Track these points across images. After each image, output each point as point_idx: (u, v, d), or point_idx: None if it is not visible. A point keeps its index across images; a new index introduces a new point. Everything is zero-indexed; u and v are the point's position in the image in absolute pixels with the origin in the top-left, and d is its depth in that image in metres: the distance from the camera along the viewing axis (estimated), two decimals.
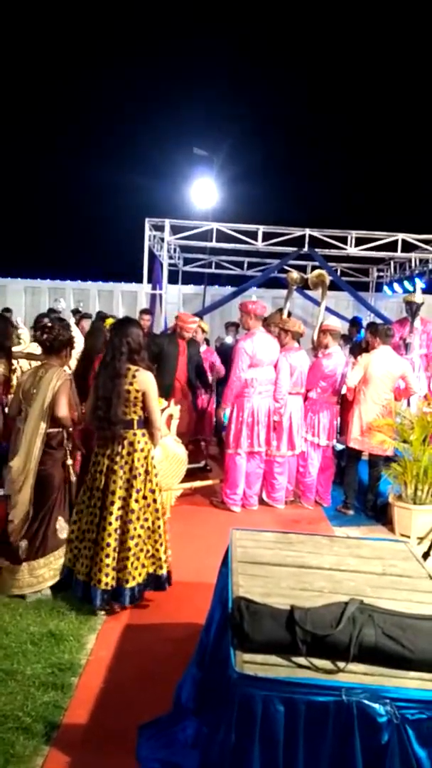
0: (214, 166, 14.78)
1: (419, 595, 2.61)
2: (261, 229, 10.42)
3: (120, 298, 14.73)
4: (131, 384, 3.83)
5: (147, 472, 3.89)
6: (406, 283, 13.15)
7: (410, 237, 10.58)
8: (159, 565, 3.90)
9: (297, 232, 10.42)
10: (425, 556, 3.81)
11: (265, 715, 1.90)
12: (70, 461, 4.21)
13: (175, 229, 10.78)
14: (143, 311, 9.74)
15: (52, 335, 4.16)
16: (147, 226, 10.55)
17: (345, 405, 6.31)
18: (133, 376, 3.84)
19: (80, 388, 4.51)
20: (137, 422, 3.87)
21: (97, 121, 18.02)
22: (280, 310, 7.60)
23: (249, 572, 2.72)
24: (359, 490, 6.16)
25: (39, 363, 4.30)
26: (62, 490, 4.15)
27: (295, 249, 10.71)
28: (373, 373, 5.89)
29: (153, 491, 3.91)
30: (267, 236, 10.56)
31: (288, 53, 17.85)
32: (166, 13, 18.18)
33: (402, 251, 10.77)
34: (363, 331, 8.26)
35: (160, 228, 10.77)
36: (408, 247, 10.85)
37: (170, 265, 12.15)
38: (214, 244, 10.70)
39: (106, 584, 3.73)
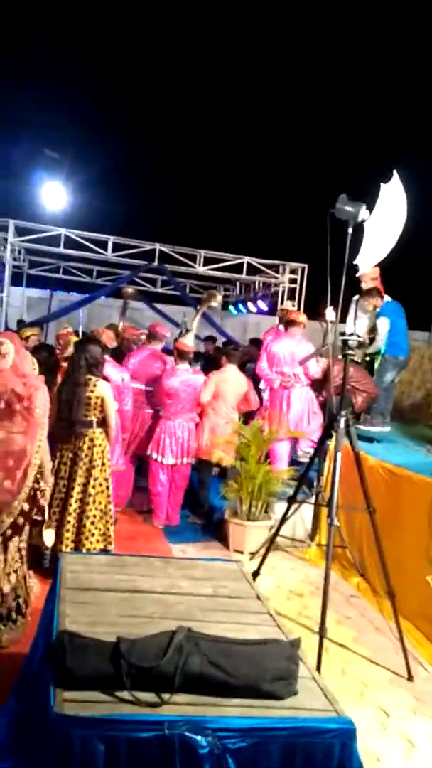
0: (65, 170, 14.36)
1: (247, 616, 2.67)
2: (111, 239, 10.30)
3: None
4: (92, 391, 4.60)
5: (103, 464, 4.68)
6: (249, 304, 13.73)
7: (255, 261, 11.06)
8: (109, 542, 4.69)
9: (147, 246, 10.44)
10: (255, 574, 3.93)
11: (85, 755, 1.81)
12: None
13: (20, 231, 10.31)
14: None
15: None
16: None
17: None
18: (95, 385, 4.61)
19: None
20: (96, 423, 4.66)
21: None
22: (113, 325, 7.54)
23: (77, 599, 2.61)
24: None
25: None
26: None
27: (145, 262, 10.73)
28: (222, 390, 6.21)
29: (107, 479, 4.71)
30: (117, 247, 10.47)
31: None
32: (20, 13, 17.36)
33: (247, 274, 11.22)
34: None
35: (3, 228, 10.23)
36: (252, 270, 11.33)
37: (14, 266, 11.58)
38: (62, 250, 10.38)
39: (66, 548, 4.49)
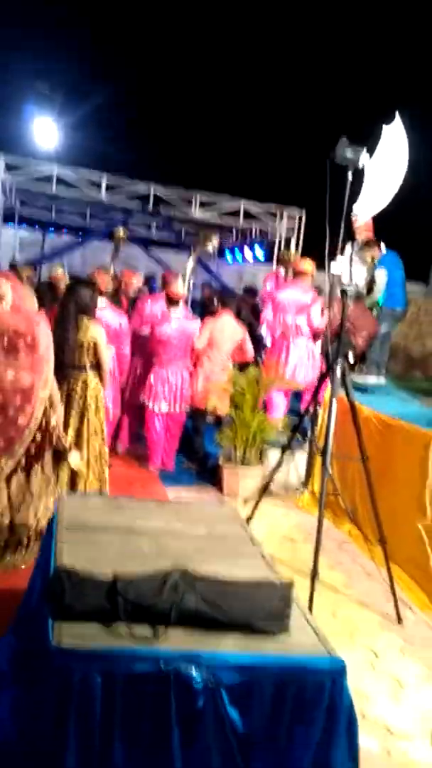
0: (56, 106, 13.84)
1: (241, 557, 2.69)
2: (105, 177, 10.01)
3: None
4: (84, 334, 4.54)
5: (97, 407, 4.68)
6: (246, 251, 13.54)
7: (252, 205, 10.83)
8: (104, 484, 4.72)
9: (141, 186, 10.18)
10: (248, 519, 3.97)
11: (83, 688, 1.84)
12: None
13: (10, 167, 9.99)
14: None
15: None
16: None
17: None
18: (87, 328, 4.54)
19: None
20: (90, 366, 4.62)
21: None
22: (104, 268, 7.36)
23: (74, 539, 2.62)
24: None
25: None
26: None
27: (139, 201, 10.49)
28: (217, 337, 6.17)
29: (101, 423, 4.72)
30: (111, 187, 10.20)
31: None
32: None
33: (243, 220, 11.01)
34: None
35: None
36: (249, 216, 11.11)
37: (5, 206, 11.29)
38: (54, 190, 10.10)
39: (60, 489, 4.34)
